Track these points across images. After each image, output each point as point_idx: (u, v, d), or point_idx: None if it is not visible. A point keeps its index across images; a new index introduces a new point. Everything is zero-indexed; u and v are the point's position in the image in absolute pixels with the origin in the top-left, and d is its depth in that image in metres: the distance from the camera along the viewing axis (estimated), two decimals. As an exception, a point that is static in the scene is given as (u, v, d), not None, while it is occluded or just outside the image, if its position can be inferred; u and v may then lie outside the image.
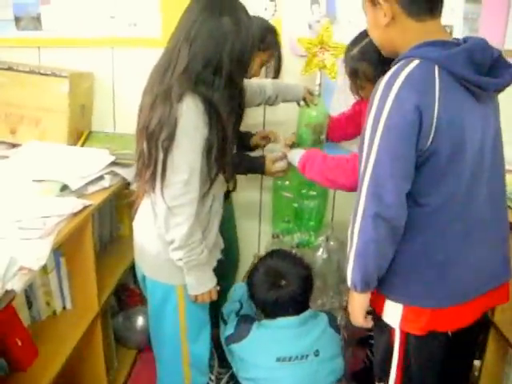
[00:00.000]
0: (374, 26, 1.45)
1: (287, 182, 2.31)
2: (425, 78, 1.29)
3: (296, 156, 1.95)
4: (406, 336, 1.50)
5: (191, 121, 1.47)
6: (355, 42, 1.82)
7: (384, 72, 1.35)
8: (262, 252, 2.54)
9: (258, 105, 2.04)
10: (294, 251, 2.28)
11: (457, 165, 1.35)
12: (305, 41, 2.16)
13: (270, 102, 2.05)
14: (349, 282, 1.46)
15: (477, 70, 1.32)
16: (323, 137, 2.23)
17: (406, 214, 1.35)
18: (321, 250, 2.41)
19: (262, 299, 2.01)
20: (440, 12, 1.39)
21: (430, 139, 1.29)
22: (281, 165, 2.05)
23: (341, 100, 2.36)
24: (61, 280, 1.91)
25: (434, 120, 1.28)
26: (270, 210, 2.48)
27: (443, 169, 1.34)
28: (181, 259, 1.61)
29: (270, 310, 2.00)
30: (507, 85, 1.37)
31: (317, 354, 1.96)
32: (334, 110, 2.32)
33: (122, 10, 2.33)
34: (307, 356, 1.95)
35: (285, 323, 1.97)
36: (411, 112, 1.26)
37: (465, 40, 1.39)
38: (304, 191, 2.30)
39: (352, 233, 1.40)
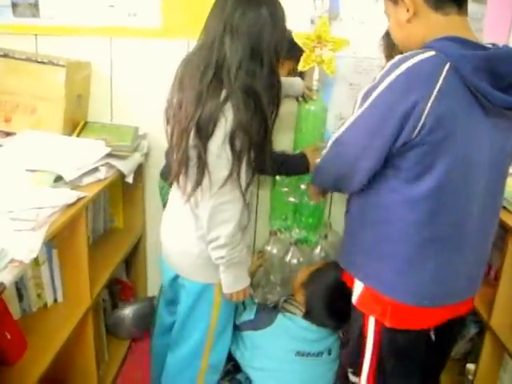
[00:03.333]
0: (397, 26, 1.42)
1: (286, 178, 2.29)
2: (429, 72, 1.26)
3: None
4: (380, 326, 1.51)
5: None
6: None
7: None
8: (259, 248, 2.52)
9: None
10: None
11: (443, 163, 1.32)
12: (302, 36, 2.13)
13: None
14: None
15: (493, 80, 1.27)
16: (322, 131, 2.23)
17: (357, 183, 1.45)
18: (319, 247, 2.40)
19: (319, 315, 2.02)
20: (466, 8, 1.36)
21: (417, 132, 1.28)
22: None
23: (342, 94, 2.34)
24: (52, 272, 1.88)
25: (424, 114, 1.25)
26: (268, 206, 2.45)
27: (428, 163, 1.32)
28: (223, 257, 1.61)
29: (317, 320, 2.02)
30: None
31: (330, 353, 2.05)
32: (334, 104, 2.30)
33: (122, -1, 2.30)
34: (322, 354, 2.03)
35: (314, 329, 2.02)
36: (399, 103, 1.26)
37: (494, 47, 1.34)
38: (303, 187, 2.27)
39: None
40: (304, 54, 2.15)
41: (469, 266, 1.49)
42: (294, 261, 2.32)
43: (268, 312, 2.08)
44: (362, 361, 1.59)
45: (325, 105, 2.25)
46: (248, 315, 2.05)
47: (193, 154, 1.51)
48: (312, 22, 2.23)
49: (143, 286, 2.69)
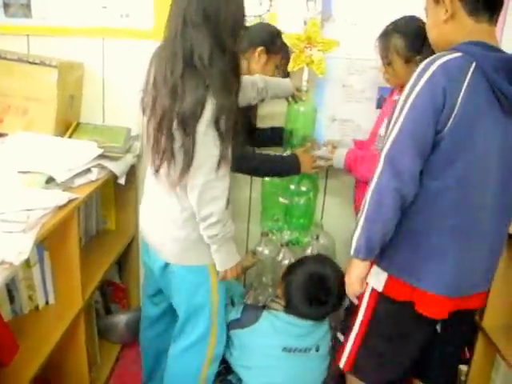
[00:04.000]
0: (434, 24, 1.51)
1: (276, 179, 2.29)
2: (459, 68, 1.38)
3: (341, 158, 2.07)
4: (377, 295, 1.63)
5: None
6: (392, 22, 1.94)
7: (417, 53, 1.62)
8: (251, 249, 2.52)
9: (253, 100, 2.02)
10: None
11: (464, 158, 1.42)
12: (292, 37, 2.14)
13: (262, 95, 2.04)
14: (352, 250, 1.55)
15: (508, 80, 1.38)
16: (312, 132, 2.24)
17: (416, 189, 1.46)
18: (310, 248, 2.40)
19: (297, 305, 2.01)
20: (497, 16, 1.46)
21: (449, 124, 1.38)
22: (321, 164, 2.15)
23: (335, 96, 2.35)
24: (44, 274, 1.87)
25: (457, 106, 1.37)
26: (260, 207, 2.45)
27: (451, 156, 1.42)
28: (216, 234, 1.65)
29: (303, 316, 2.01)
30: None
31: (317, 349, 2.04)
32: (327, 106, 2.31)
33: (114, 0, 2.29)
34: (310, 350, 2.02)
35: (299, 323, 2.01)
36: (439, 92, 1.36)
37: None
38: (293, 187, 2.27)
39: (365, 201, 1.50)
40: (294, 55, 2.15)
41: (485, 258, 1.58)
42: (286, 262, 2.32)
43: (253, 310, 2.08)
44: (353, 324, 1.72)
45: (315, 105, 2.25)
46: (234, 314, 2.05)
47: (178, 137, 1.54)
48: (305, 23, 2.23)
49: (136, 288, 2.68)
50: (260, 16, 2.27)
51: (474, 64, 1.37)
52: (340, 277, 1.99)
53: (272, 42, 2.12)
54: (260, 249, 2.41)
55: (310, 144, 2.20)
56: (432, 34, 1.55)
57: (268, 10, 2.26)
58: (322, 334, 2.06)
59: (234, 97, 1.58)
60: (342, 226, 2.45)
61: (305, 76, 2.20)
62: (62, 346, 1.79)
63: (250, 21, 2.21)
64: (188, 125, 1.51)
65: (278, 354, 1.98)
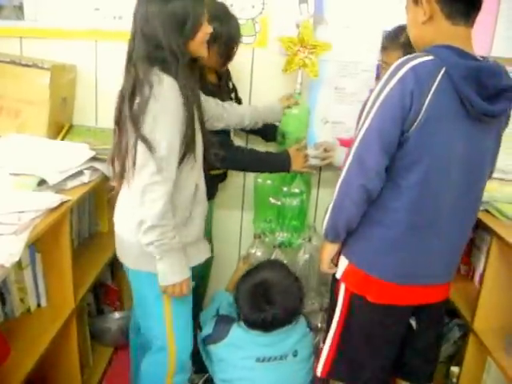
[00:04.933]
0: (413, 24, 1.54)
1: (269, 181, 2.30)
2: (428, 72, 1.40)
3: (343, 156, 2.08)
4: (350, 294, 1.67)
5: (172, 99, 1.54)
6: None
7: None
8: (244, 253, 2.52)
9: (237, 126, 2.10)
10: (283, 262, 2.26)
11: (427, 160, 1.46)
12: (286, 40, 2.15)
13: (248, 128, 2.13)
14: (322, 232, 1.67)
15: (479, 88, 1.41)
16: (305, 134, 2.26)
17: (381, 185, 1.51)
18: (302, 250, 2.41)
19: (248, 316, 2.00)
20: (474, 20, 1.47)
21: (415, 125, 1.42)
22: (315, 163, 2.20)
23: (327, 98, 2.37)
24: (36, 276, 1.87)
25: (423, 109, 1.40)
26: (252, 209, 2.45)
27: (415, 157, 1.46)
28: (152, 243, 1.57)
29: (258, 327, 1.99)
30: (497, 115, 1.48)
31: (295, 354, 2.01)
32: (319, 108, 2.32)
33: (107, 2, 2.29)
34: (286, 356, 1.99)
35: (263, 332, 1.99)
36: (407, 94, 1.39)
37: (484, 59, 1.50)
38: (286, 189, 2.28)
39: (336, 189, 1.57)
40: (288, 58, 2.16)
41: (445, 253, 1.63)
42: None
43: (224, 324, 2.05)
44: (330, 325, 1.75)
45: (308, 107, 2.26)
46: (207, 329, 2.05)
47: (128, 141, 1.58)
48: (297, 26, 2.24)
49: (128, 290, 2.67)
50: (253, 19, 2.27)
51: (443, 69, 1.40)
52: (290, 282, 2.04)
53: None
54: (253, 251, 2.41)
55: (304, 142, 2.22)
56: (411, 34, 1.58)
57: (260, 13, 2.27)
58: (298, 337, 2.03)
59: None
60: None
61: (299, 79, 2.21)
62: (53, 348, 1.78)
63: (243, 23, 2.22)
64: (135, 124, 1.52)
65: (252, 366, 1.95)
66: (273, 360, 1.97)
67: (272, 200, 2.33)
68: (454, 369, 2.14)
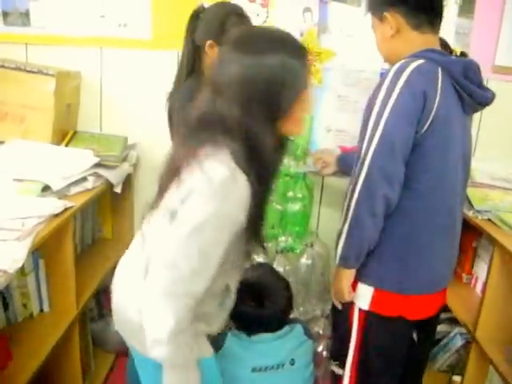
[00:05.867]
0: (382, 41, 1.59)
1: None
2: (431, 71, 1.44)
3: None
4: (365, 315, 1.60)
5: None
6: None
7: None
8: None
9: None
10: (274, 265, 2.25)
11: (442, 157, 1.49)
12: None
13: None
14: (338, 259, 1.54)
15: (471, 83, 1.50)
16: (307, 142, 2.29)
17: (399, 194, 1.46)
18: (305, 256, 2.40)
19: (240, 315, 1.94)
20: (439, 26, 1.55)
21: (427, 126, 1.42)
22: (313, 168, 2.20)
23: (330, 106, 2.38)
24: (39, 282, 1.87)
25: (434, 108, 1.42)
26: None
27: (431, 157, 1.47)
28: (162, 358, 1.18)
29: (247, 326, 1.97)
30: (490, 102, 1.57)
31: (292, 363, 1.96)
32: (322, 116, 2.33)
33: (113, 9, 2.31)
34: (283, 365, 1.94)
35: (262, 339, 1.95)
36: (419, 95, 1.40)
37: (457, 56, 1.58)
38: (290, 194, 2.29)
39: (348, 207, 1.49)
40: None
41: (454, 253, 1.67)
42: (281, 269, 2.32)
43: (218, 335, 2.00)
44: (347, 351, 1.67)
45: (311, 114, 2.26)
46: None
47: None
48: (301, 34, 2.26)
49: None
50: (257, 27, 2.28)
51: (439, 69, 1.45)
52: (274, 273, 2.06)
53: (221, 32, 1.84)
54: (255, 256, 2.42)
55: (305, 148, 2.25)
56: (382, 50, 1.62)
57: (265, 22, 2.28)
58: (294, 345, 1.98)
59: None
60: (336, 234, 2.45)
61: None
62: (56, 353, 1.79)
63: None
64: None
65: (247, 376, 1.90)
66: (269, 369, 1.92)
67: (275, 204, 2.33)
68: (456, 378, 2.14)
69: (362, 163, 1.44)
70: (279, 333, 1.97)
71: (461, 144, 1.55)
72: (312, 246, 2.40)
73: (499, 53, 2.29)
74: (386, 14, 1.52)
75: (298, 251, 2.40)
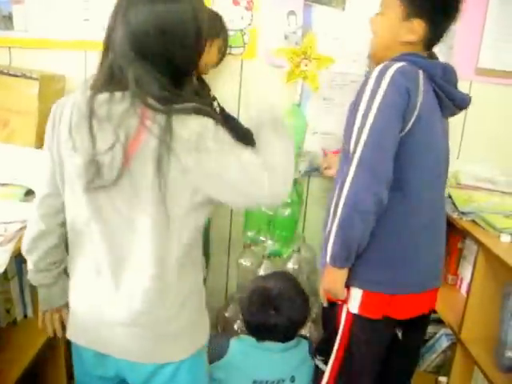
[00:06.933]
0: (388, 32, 1.58)
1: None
2: (412, 72, 1.47)
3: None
4: (353, 316, 1.60)
5: None
6: None
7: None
8: (233, 262, 2.52)
9: None
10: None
11: (425, 157, 1.52)
12: (289, 51, 2.16)
13: None
14: (328, 258, 1.52)
15: (453, 85, 1.57)
16: (302, 145, 2.29)
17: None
18: (292, 260, 2.40)
19: (253, 320, 1.97)
20: None
21: (411, 123, 1.45)
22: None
23: (316, 109, 2.39)
24: (22, 287, 1.85)
25: (417, 107, 1.44)
26: (242, 218, 2.46)
27: (415, 156, 1.49)
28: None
29: (259, 332, 1.97)
30: (467, 105, 1.63)
31: (292, 380, 1.95)
32: (308, 119, 2.32)
33: (97, 13, 2.30)
34: (283, 381, 1.93)
35: (268, 347, 1.94)
36: (404, 91, 1.42)
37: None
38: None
39: (336, 206, 1.47)
40: (289, 69, 2.17)
41: (440, 251, 1.70)
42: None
43: (220, 341, 1.97)
44: (331, 347, 1.68)
45: (306, 119, 2.27)
46: None
47: None
48: (286, 37, 2.26)
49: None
50: (241, 30, 2.29)
51: (421, 72, 1.48)
52: (297, 293, 2.02)
53: (210, 26, 1.99)
54: (242, 261, 2.41)
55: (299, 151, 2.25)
56: (379, 41, 1.62)
57: (249, 24, 2.28)
58: (297, 362, 1.97)
59: None
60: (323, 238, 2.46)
61: (298, 90, 2.22)
62: (40, 360, 1.77)
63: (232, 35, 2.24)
64: None
65: None
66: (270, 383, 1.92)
67: (263, 209, 2.33)
68: (442, 379, 2.14)
69: (350, 162, 1.44)
70: (286, 345, 1.96)
71: (441, 146, 1.59)
72: (299, 250, 2.40)
73: (482, 55, 2.31)
74: (415, 19, 1.52)
75: (284, 256, 2.40)
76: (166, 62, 1.20)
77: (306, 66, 2.16)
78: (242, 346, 1.96)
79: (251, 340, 1.97)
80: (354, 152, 1.44)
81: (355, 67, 2.31)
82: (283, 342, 1.96)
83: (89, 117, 1.20)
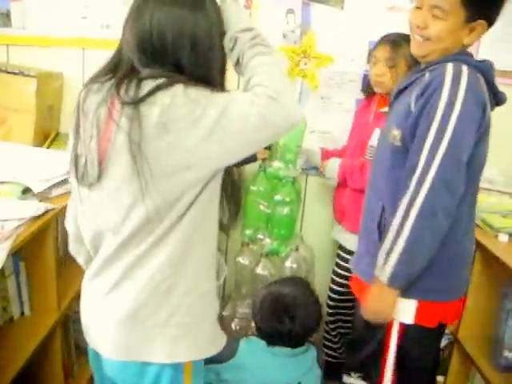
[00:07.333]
0: (450, 36, 1.43)
1: (261, 188, 2.30)
2: (478, 81, 1.40)
3: (335, 168, 2.14)
4: (406, 328, 1.51)
5: None
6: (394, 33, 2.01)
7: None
8: (231, 260, 2.52)
9: None
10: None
11: (483, 164, 1.49)
12: (288, 49, 2.16)
13: None
14: (387, 277, 1.40)
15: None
16: (299, 144, 2.28)
17: None
18: (290, 259, 2.40)
19: (268, 328, 1.95)
20: None
21: (480, 133, 1.39)
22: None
23: (313, 108, 2.39)
24: (19, 285, 1.85)
25: (487, 115, 1.40)
26: (241, 216, 2.45)
27: (478, 164, 1.46)
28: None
29: (271, 337, 1.94)
30: (504, 102, 1.54)
31: None
32: (305, 117, 2.32)
33: (95, 10, 2.30)
34: None
35: (277, 351, 1.92)
36: (480, 103, 1.37)
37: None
38: (278, 197, 2.28)
39: (404, 220, 1.37)
40: (288, 68, 2.17)
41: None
42: (265, 273, 2.32)
43: (229, 342, 1.94)
44: (383, 365, 1.58)
45: (305, 119, 2.26)
46: None
47: None
48: (284, 36, 2.26)
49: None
50: (240, 28, 2.28)
51: (480, 75, 1.42)
52: (311, 300, 1.99)
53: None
54: (240, 259, 2.41)
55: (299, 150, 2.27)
56: (440, 45, 1.44)
57: (248, 23, 2.28)
58: (304, 369, 1.95)
59: None
60: (321, 237, 2.46)
61: (298, 89, 2.22)
62: (37, 358, 1.76)
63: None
64: None
65: None
66: None
67: (262, 207, 2.33)
68: (439, 378, 2.14)
69: (424, 175, 1.35)
70: (295, 350, 1.94)
71: None
72: (297, 249, 2.41)
73: (481, 55, 2.30)
74: (478, 21, 1.41)
75: (282, 255, 2.40)
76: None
77: (306, 64, 2.16)
78: (251, 347, 1.95)
79: (261, 343, 1.95)
80: (429, 166, 1.35)
81: (354, 66, 2.31)
82: (293, 347, 1.94)
83: (76, 111, 1.21)
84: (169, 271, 1.21)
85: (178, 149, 1.12)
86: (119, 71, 1.21)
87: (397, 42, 1.97)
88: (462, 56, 1.44)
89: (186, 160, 1.13)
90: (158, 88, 1.12)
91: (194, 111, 1.10)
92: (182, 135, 1.11)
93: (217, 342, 1.36)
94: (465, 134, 1.35)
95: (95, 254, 1.31)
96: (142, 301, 1.23)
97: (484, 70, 1.43)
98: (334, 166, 2.14)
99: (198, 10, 1.18)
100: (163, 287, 1.22)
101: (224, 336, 1.39)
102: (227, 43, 1.23)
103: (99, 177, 1.18)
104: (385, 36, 2.03)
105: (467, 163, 1.37)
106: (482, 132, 1.40)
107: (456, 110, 1.33)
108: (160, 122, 1.11)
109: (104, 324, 1.29)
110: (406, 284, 1.42)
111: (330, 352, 2.41)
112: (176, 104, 1.10)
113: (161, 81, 1.13)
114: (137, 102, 1.12)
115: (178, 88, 1.12)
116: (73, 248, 1.45)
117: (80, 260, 1.45)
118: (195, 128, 1.10)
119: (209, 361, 1.79)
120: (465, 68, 1.38)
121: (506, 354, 1.80)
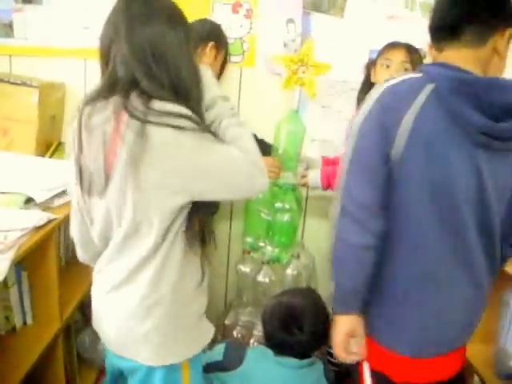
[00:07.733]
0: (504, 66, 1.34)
1: (261, 196, 2.30)
2: (408, 88, 1.29)
3: (317, 178, 2.12)
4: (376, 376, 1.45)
5: None
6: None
7: None
8: (232, 268, 2.52)
9: None
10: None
11: (419, 191, 1.29)
12: (286, 58, 2.17)
13: None
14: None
15: (478, 106, 1.22)
16: (299, 151, 2.29)
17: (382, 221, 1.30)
18: (291, 266, 2.41)
19: (277, 338, 1.94)
20: (465, 43, 1.30)
21: (394, 148, 1.26)
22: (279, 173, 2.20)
23: (314, 117, 2.40)
24: (22, 295, 1.85)
25: (400, 128, 1.24)
26: (242, 224, 2.46)
27: (403, 190, 1.29)
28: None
29: (279, 347, 1.94)
30: (505, 135, 1.25)
31: None
32: (306, 125, 2.33)
33: (96, 21, 2.30)
34: None
35: (284, 362, 1.91)
36: (385, 113, 1.27)
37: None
38: (279, 204, 2.29)
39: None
40: (286, 76, 2.18)
41: (458, 312, 1.42)
42: (266, 280, 2.32)
43: (237, 350, 1.96)
44: None
45: (304, 125, 2.27)
46: (216, 356, 1.94)
47: None
48: (285, 45, 2.27)
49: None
50: (241, 38, 2.30)
51: (432, 85, 1.25)
52: (319, 310, 1.97)
53: (220, 36, 2.15)
54: (241, 267, 2.42)
55: (298, 158, 2.26)
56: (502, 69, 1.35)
57: (248, 32, 2.29)
58: (311, 380, 1.94)
59: None
60: (322, 244, 2.45)
61: (296, 97, 2.23)
62: (39, 367, 1.77)
63: (231, 43, 2.26)
64: None
65: None
66: None
67: (263, 214, 2.33)
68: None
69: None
70: (301, 362, 1.92)
71: (469, 184, 1.32)
72: (298, 257, 2.41)
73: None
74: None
75: (283, 262, 2.40)
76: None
77: (304, 72, 2.17)
78: (258, 356, 1.94)
79: (268, 352, 1.94)
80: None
81: (354, 75, 2.32)
82: (301, 358, 1.93)
83: (78, 128, 1.26)
84: (152, 287, 1.32)
85: (175, 173, 1.21)
86: (120, 85, 1.24)
87: (412, 47, 1.98)
88: (425, 66, 1.37)
89: (177, 185, 1.22)
90: (169, 114, 1.19)
91: (194, 151, 1.21)
92: (179, 165, 1.21)
93: (204, 336, 1.46)
94: (366, 143, 1.31)
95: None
96: (130, 312, 1.35)
97: (437, 82, 1.25)
98: (315, 175, 2.14)
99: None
100: (147, 302, 1.33)
101: (211, 325, 1.50)
102: (207, 102, 1.33)
103: (105, 188, 1.26)
104: (394, 42, 2.01)
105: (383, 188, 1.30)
106: (398, 144, 1.26)
107: (358, 123, 1.33)
108: (162, 149, 1.19)
109: (106, 319, 1.43)
110: (341, 308, 1.37)
111: (334, 360, 2.39)
112: (181, 138, 1.19)
113: (170, 106, 1.20)
114: (145, 122, 1.18)
115: (186, 123, 1.20)
116: (81, 256, 1.52)
117: (92, 264, 1.51)
118: (191, 160, 1.22)
119: (215, 369, 1.82)
120: (393, 80, 1.32)
121: (509, 362, 1.79)
